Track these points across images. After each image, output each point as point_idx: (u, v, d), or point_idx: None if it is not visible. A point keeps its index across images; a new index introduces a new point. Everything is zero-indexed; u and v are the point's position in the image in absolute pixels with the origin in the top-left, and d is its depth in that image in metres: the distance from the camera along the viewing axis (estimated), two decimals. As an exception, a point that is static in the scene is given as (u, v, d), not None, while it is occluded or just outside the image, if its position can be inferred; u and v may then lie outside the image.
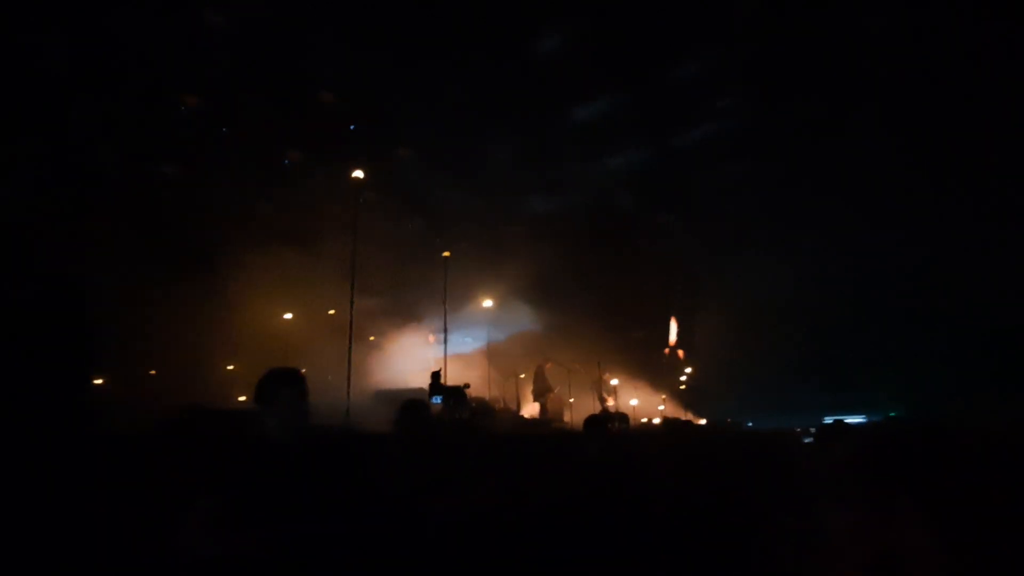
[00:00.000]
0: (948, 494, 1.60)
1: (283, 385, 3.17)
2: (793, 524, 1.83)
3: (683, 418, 38.30)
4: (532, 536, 2.85)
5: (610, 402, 35.32)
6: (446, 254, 23.86)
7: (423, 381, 19.78)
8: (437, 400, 16.78)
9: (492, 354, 31.05)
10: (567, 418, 29.70)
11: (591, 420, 5.61)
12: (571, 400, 32.65)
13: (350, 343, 18.67)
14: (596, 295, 43.59)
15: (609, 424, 5.77)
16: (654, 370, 50.45)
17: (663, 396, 48.41)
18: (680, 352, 57.97)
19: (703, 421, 39.83)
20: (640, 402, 41.93)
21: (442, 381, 19.20)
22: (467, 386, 19.94)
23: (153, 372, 24.62)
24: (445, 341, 21.92)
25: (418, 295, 30.32)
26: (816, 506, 1.82)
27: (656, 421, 34.94)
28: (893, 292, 47.63)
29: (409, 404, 4.02)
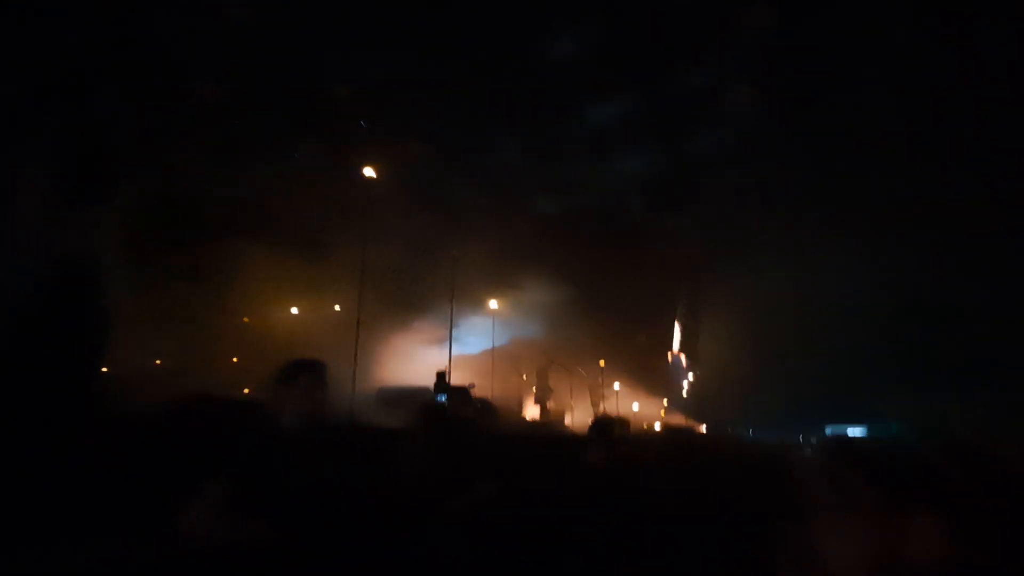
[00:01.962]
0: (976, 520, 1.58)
1: (304, 371, 3.21)
2: (797, 542, 1.84)
3: (684, 425, 38.26)
4: (535, 539, 2.91)
5: (601, 407, 35.32)
6: (454, 254, 23.93)
7: (427, 380, 19.87)
8: (442, 399, 16.88)
9: (497, 355, 31.11)
10: (568, 421, 29.75)
11: (596, 424, 5.66)
12: (571, 403, 32.70)
13: (356, 340, 18.74)
14: (602, 298, 43.61)
15: (613, 429, 5.82)
16: (657, 375, 50.46)
17: (665, 402, 48.36)
18: (683, 358, 57.88)
19: (703, 428, 39.78)
20: (641, 407, 41.90)
21: (447, 381, 19.30)
22: (472, 386, 20.03)
23: (158, 362, 24.75)
24: (450, 341, 22.00)
25: (425, 294, 30.40)
26: (822, 528, 1.81)
27: (657, 427, 34.95)
28: (896, 301, 47.53)
29: (427, 408, 3.97)
